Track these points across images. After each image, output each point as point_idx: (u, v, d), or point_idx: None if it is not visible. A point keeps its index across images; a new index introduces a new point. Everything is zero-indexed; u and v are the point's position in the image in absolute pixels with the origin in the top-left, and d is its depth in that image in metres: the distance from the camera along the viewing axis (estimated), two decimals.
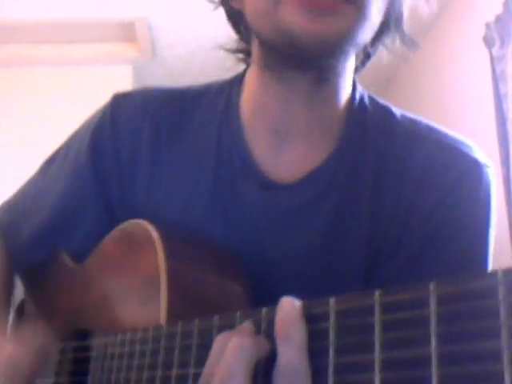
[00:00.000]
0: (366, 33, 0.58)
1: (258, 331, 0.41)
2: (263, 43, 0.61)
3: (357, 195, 0.65)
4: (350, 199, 0.65)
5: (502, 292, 0.25)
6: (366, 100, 0.69)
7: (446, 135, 0.67)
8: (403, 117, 0.69)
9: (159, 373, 0.49)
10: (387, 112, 0.69)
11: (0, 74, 3.10)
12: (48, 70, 3.15)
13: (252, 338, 0.39)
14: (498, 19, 2.32)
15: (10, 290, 0.81)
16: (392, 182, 0.64)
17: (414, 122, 0.68)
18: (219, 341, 0.41)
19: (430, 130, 0.68)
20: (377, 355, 0.31)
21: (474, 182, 0.64)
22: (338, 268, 0.64)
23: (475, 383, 0.25)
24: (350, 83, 0.67)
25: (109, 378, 0.59)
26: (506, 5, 2.27)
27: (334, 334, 0.35)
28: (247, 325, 0.41)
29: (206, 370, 0.41)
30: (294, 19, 0.54)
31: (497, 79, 2.30)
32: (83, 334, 0.69)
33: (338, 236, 0.65)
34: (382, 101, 0.70)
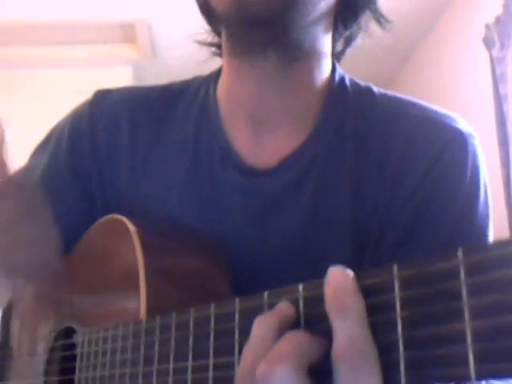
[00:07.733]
0: None
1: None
2: (223, 21, 0.61)
3: (338, 176, 0.63)
4: (331, 180, 0.63)
5: (462, 273, 0.24)
6: (347, 81, 0.68)
7: (427, 109, 0.66)
8: (384, 95, 0.68)
9: (141, 368, 0.49)
10: (368, 91, 0.68)
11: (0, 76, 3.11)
12: (48, 71, 3.16)
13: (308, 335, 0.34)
14: (498, 20, 2.32)
15: None
16: (374, 160, 0.63)
17: (394, 99, 0.68)
18: (262, 324, 0.36)
19: (411, 105, 0.67)
20: None
21: (459, 151, 0.62)
22: (324, 252, 0.62)
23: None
24: (328, 65, 0.66)
25: (94, 375, 0.59)
26: (506, 6, 2.27)
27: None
28: (285, 305, 0.36)
29: (248, 356, 0.36)
30: None
31: (497, 80, 2.30)
32: (70, 332, 0.69)
33: (321, 219, 0.63)
34: (363, 82, 0.69)
